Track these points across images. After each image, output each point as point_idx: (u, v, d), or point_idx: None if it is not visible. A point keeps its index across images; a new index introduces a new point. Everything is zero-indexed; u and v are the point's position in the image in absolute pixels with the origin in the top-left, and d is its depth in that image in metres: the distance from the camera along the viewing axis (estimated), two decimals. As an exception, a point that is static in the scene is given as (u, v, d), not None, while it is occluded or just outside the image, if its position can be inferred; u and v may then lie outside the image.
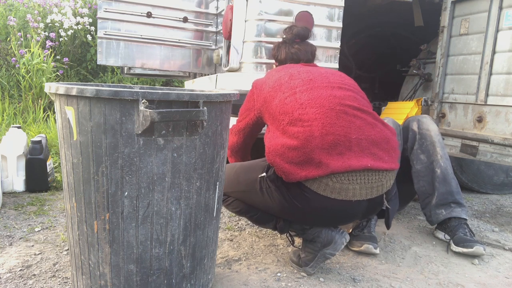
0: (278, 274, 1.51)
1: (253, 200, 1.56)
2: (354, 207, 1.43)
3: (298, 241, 1.83)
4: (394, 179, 1.52)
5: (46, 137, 2.66)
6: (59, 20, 4.67)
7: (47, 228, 1.85)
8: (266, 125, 1.68)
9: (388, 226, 1.61)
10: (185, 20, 2.75)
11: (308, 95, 1.47)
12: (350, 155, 1.38)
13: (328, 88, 1.50)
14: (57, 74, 4.42)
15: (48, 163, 2.37)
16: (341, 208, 1.41)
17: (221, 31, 2.35)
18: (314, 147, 1.37)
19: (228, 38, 2.14)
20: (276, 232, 1.92)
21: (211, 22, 2.81)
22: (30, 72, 4.12)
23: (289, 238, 1.69)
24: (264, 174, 1.51)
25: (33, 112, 3.99)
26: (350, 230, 1.83)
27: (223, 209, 2.22)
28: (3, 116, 3.78)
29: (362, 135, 1.41)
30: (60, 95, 1.09)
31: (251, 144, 1.85)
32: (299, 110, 1.44)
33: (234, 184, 1.59)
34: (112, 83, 4.92)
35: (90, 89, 1.01)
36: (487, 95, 2.07)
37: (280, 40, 1.90)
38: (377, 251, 1.72)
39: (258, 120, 1.66)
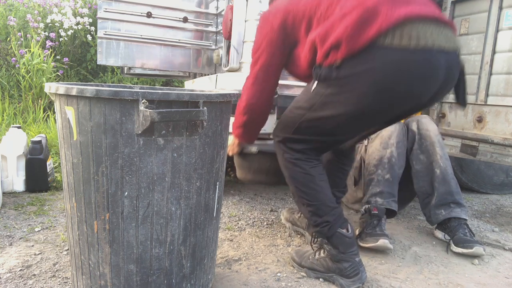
0: (278, 274, 1.51)
1: (320, 117, 1.37)
2: (435, 58, 1.26)
3: (298, 241, 1.83)
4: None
5: (46, 137, 2.66)
6: (59, 20, 4.67)
7: (47, 228, 1.85)
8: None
9: (464, 103, 1.46)
10: (185, 20, 2.75)
11: None
12: (414, 6, 1.24)
13: None
14: (57, 74, 4.42)
15: (48, 163, 2.37)
16: (422, 60, 1.24)
17: (221, 31, 2.35)
18: (374, 2, 1.22)
19: (228, 38, 2.14)
20: (276, 232, 1.93)
21: (211, 22, 2.81)
22: (30, 72, 4.12)
23: (315, 242, 1.58)
24: (315, 83, 1.36)
25: (33, 112, 3.99)
26: (358, 233, 1.83)
27: (223, 209, 2.22)
28: (3, 116, 3.78)
29: None
30: (60, 95, 1.09)
31: (271, 98, 1.59)
32: None
33: (296, 112, 1.44)
34: (112, 83, 4.92)
35: (90, 89, 1.01)
36: (487, 95, 2.07)
37: None
38: (392, 246, 1.71)
39: (284, 40, 1.43)
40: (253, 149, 1.90)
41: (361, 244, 1.75)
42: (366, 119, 1.37)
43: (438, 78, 1.30)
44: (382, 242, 1.69)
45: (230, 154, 1.81)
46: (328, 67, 1.30)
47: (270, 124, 2.03)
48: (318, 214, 1.45)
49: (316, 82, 1.37)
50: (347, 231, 1.44)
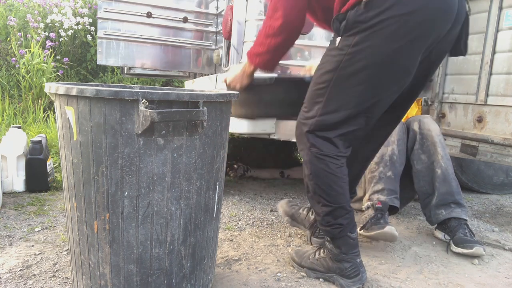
0: (278, 274, 1.51)
1: (350, 74, 1.30)
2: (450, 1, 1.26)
3: (298, 241, 1.83)
4: None
5: (46, 137, 2.66)
6: (59, 20, 4.67)
7: (47, 228, 1.85)
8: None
9: (465, 50, 1.44)
10: (185, 20, 2.75)
11: None
12: None
13: None
14: (57, 74, 4.42)
15: (48, 163, 2.37)
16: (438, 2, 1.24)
17: (221, 31, 2.35)
18: None
19: (228, 38, 2.14)
20: (276, 232, 1.93)
21: (211, 22, 2.81)
22: (30, 72, 4.12)
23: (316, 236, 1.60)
24: (338, 39, 1.30)
25: (33, 112, 3.99)
26: (359, 228, 1.82)
27: (223, 209, 2.22)
28: (3, 116, 3.78)
29: None
30: (60, 95, 1.09)
31: (305, 13, 1.47)
32: None
33: (322, 80, 1.35)
34: (112, 83, 4.92)
35: (90, 89, 1.01)
36: (487, 95, 2.07)
37: None
38: (397, 234, 1.70)
39: None
40: (270, 78, 1.62)
41: (366, 234, 1.74)
42: (394, 70, 1.31)
43: (453, 14, 1.28)
44: (389, 228, 1.68)
45: (238, 87, 1.59)
46: (354, 10, 1.25)
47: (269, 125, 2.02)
48: (334, 215, 1.41)
49: (339, 38, 1.29)
50: (352, 233, 1.45)
